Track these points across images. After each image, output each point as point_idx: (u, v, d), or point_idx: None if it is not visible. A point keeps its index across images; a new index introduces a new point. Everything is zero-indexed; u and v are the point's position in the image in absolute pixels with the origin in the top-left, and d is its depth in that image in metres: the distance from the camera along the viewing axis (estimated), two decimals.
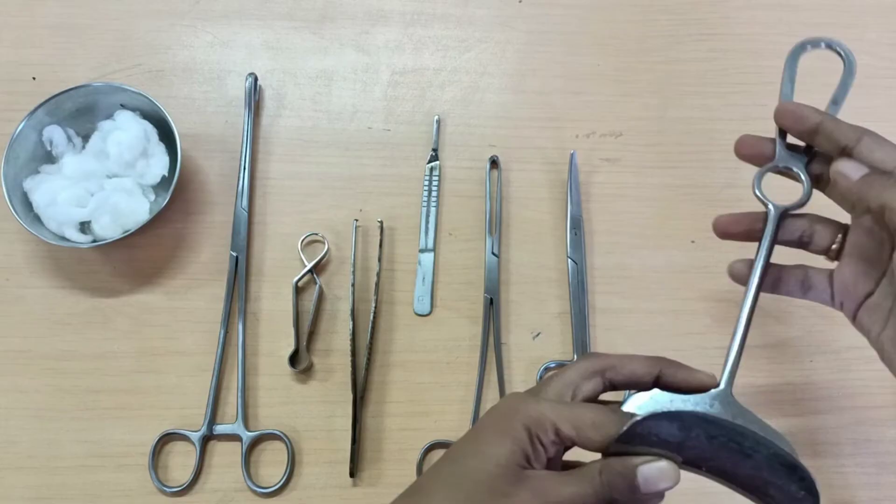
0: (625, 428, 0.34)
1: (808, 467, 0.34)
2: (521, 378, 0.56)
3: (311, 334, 0.56)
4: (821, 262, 0.42)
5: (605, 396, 0.39)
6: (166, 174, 0.57)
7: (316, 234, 0.59)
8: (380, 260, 0.58)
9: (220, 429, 0.53)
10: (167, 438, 0.53)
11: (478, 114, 0.64)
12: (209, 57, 0.64)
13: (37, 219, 0.55)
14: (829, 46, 0.42)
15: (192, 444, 0.53)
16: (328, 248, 0.58)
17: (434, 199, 0.60)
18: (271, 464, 0.53)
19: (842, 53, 0.41)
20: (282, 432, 0.53)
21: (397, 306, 0.58)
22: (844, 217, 0.41)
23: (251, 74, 0.61)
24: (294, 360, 0.55)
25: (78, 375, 0.55)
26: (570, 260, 0.59)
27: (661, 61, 0.66)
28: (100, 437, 0.53)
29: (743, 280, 0.41)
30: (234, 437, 0.53)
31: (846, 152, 0.38)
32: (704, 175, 0.62)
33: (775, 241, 0.40)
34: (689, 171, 0.62)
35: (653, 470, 0.33)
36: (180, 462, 0.53)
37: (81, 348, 0.55)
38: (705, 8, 0.68)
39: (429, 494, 0.35)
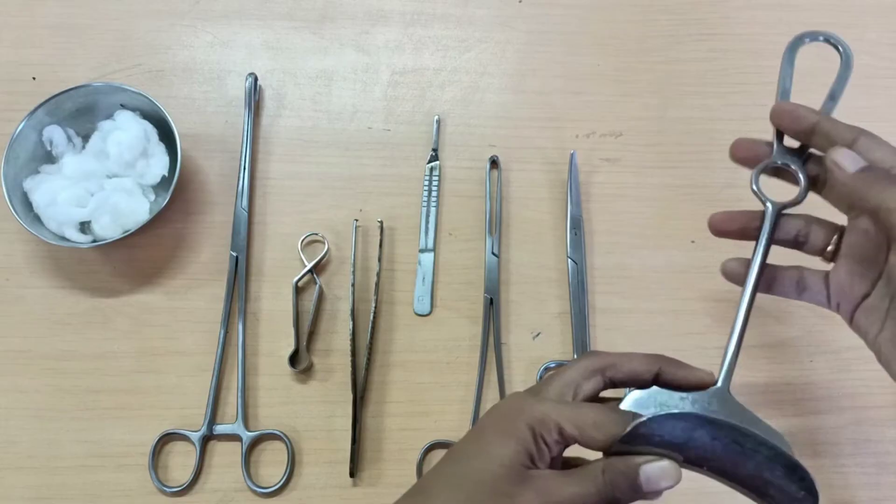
0: (628, 428, 0.34)
1: (808, 467, 0.34)
2: (521, 378, 0.56)
3: (311, 334, 0.56)
4: (817, 264, 0.42)
5: (605, 394, 0.39)
6: (166, 174, 0.57)
7: (316, 234, 0.59)
8: (380, 260, 0.58)
9: (220, 429, 0.53)
10: (167, 438, 0.53)
11: (478, 114, 0.64)
12: (209, 57, 0.64)
13: (37, 219, 0.55)
14: (827, 40, 0.42)
15: (192, 444, 0.53)
16: (328, 248, 0.58)
17: (434, 199, 0.60)
18: (271, 464, 0.53)
19: (839, 48, 0.42)
20: (282, 432, 0.53)
21: (397, 306, 0.58)
22: (840, 219, 0.41)
23: (251, 74, 0.61)
24: (294, 360, 0.55)
25: (78, 375, 0.55)
26: (570, 260, 0.59)
27: (661, 61, 0.66)
28: (100, 437, 0.53)
29: (736, 278, 0.41)
30: (234, 437, 0.53)
31: None
32: (704, 175, 0.62)
33: (773, 237, 0.40)
34: (689, 171, 0.62)
35: (655, 469, 0.33)
36: (180, 462, 0.53)
37: (81, 348, 0.55)
38: (705, 8, 0.68)
39: (432, 495, 0.35)
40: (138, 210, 0.55)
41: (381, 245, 0.58)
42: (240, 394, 0.54)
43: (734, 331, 0.39)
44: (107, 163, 0.57)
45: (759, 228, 0.41)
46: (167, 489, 0.52)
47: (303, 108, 0.63)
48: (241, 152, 0.60)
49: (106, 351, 0.55)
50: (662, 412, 0.35)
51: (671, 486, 0.34)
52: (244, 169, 0.60)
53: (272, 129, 0.62)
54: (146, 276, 0.58)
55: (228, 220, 0.59)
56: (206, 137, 0.62)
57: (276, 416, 0.54)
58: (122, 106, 0.58)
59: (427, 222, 0.60)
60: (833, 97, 0.41)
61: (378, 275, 0.57)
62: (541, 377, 0.56)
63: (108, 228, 0.54)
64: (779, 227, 0.41)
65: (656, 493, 0.34)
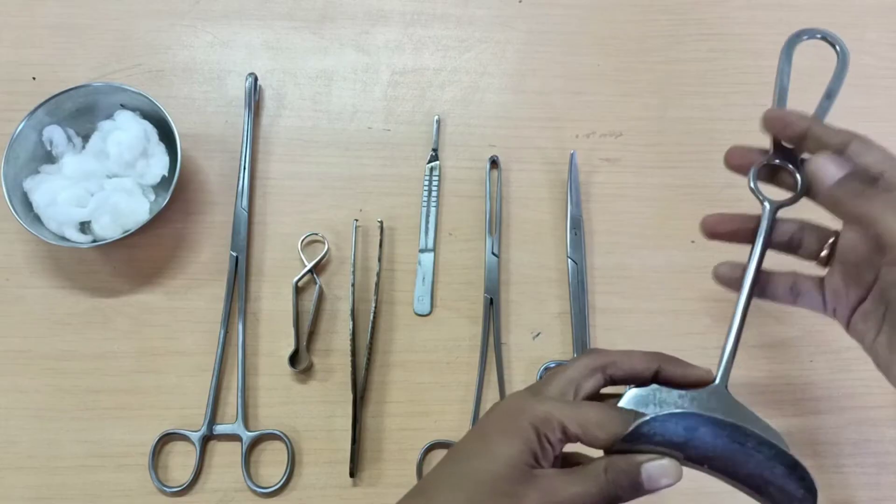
0: (631, 428, 0.34)
1: (808, 467, 0.34)
2: (521, 378, 0.56)
3: (311, 334, 0.56)
4: (812, 271, 0.42)
5: (604, 390, 0.39)
6: (166, 174, 0.57)
7: (316, 234, 0.59)
8: (380, 260, 0.58)
9: (220, 429, 0.53)
10: (167, 438, 0.53)
11: (478, 114, 0.64)
12: (209, 57, 0.64)
13: (37, 219, 0.55)
14: (824, 38, 0.42)
15: (192, 444, 0.53)
16: (328, 248, 0.58)
17: (434, 199, 0.60)
18: (271, 464, 0.53)
19: (836, 46, 0.42)
20: (282, 432, 0.53)
21: (397, 306, 0.58)
22: (835, 223, 0.41)
23: (251, 74, 0.61)
24: (294, 360, 0.55)
25: (78, 375, 0.55)
26: (570, 260, 0.59)
27: (661, 61, 0.66)
28: (100, 437, 0.53)
29: (728, 282, 0.42)
30: (234, 437, 0.53)
31: None
32: (704, 175, 0.62)
33: (770, 236, 0.41)
34: (689, 171, 0.62)
35: (656, 467, 0.34)
36: (180, 462, 0.53)
37: (81, 348, 0.55)
38: (705, 8, 0.68)
39: (435, 495, 0.35)
40: (138, 210, 0.55)
41: (381, 245, 0.58)
42: (240, 394, 0.54)
43: (732, 328, 0.39)
44: (107, 163, 0.57)
45: (752, 230, 0.41)
46: (167, 489, 0.52)
47: (303, 108, 0.63)
48: (241, 152, 0.60)
49: (106, 351, 0.55)
50: (665, 412, 0.35)
51: (672, 484, 0.34)
52: (244, 169, 0.60)
53: (272, 129, 0.62)
54: (146, 276, 0.58)
55: (228, 220, 0.59)
56: (206, 137, 0.62)
57: (276, 416, 0.54)
58: (122, 106, 0.58)
59: (427, 222, 0.60)
60: (830, 95, 0.41)
61: (378, 275, 0.57)
62: (541, 377, 0.56)
63: (108, 228, 0.54)
64: (773, 229, 0.41)
65: (656, 492, 0.34)
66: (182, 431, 0.53)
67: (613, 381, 0.38)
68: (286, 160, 0.61)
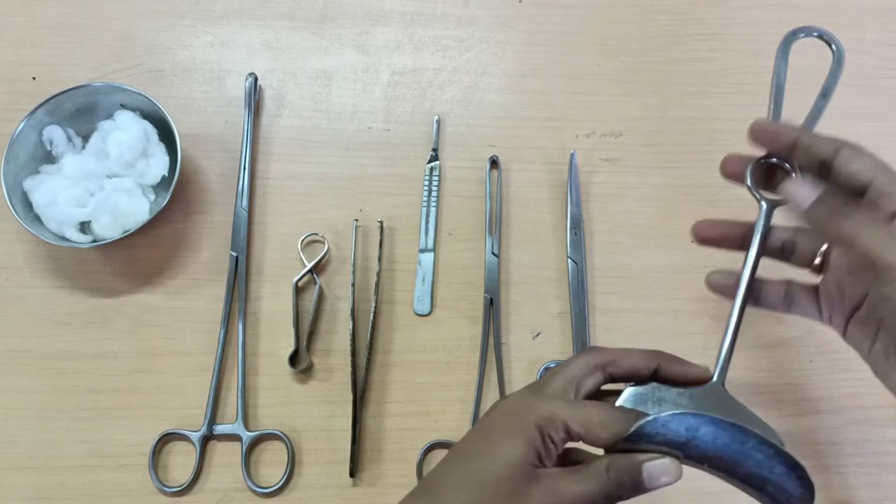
0: (633, 428, 0.34)
1: (808, 467, 0.34)
2: (521, 378, 0.56)
3: (311, 334, 0.56)
4: (807, 279, 0.42)
5: (604, 387, 0.39)
6: (166, 174, 0.57)
7: (316, 234, 0.59)
8: (380, 260, 0.58)
9: (220, 429, 0.53)
10: (167, 438, 0.53)
11: (478, 114, 0.64)
12: (209, 57, 0.64)
13: (37, 219, 0.55)
14: (821, 36, 0.42)
15: (192, 444, 0.53)
16: (328, 248, 0.58)
17: (434, 199, 0.60)
18: (271, 464, 0.53)
19: (831, 44, 0.42)
20: (282, 432, 0.53)
21: (397, 306, 0.58)
22: None
23: (251, 74, 0.61)
24: (294, 360, 0.55)
25: (78, 375, 0.55)
26: (570, 260, 0.59)
27: (661, 61, 0.66)
28: (100, 437, 0.53)
29: (721, 290, 0.42)
30: (234, 437, 0.53)
31: (825, 166, 0.37)
32: (704, 175, 0.62)
33: (767, 235, 0.41)
34: (689, 171, 0.62)
35: (657, 466, 0.34)
36: (180, 462, 0.53)
37: (81, 348, 0.55)
38: (705, 8, 0.68)
39: (439, 495, 0.35)
40: (138, 210, 0.55)
41: (381, 245, 0.58)
42: (240, 394, 0.54)
43: (729, 327, 0.39)
44: (107, 163, 0.57)
45: (743, 235, 0.41)
46: (167, 489, 0.52)
47: (303, 108, 0.63)
48: (241, 152, 0.60)
49: (106, 351, 0.55)
50: (667, 412, 0.35)
51: (672, 482, 0.34)
52: (244, 169, 0.60)
53: (272, 129, 0.62)
54: (146, 276, 0.58)
55: (228, 220, 0.59)
56: (206, 137, 0.62)
57: (276, 416, 0.54)
58: (122, 106, 0.58)
59: (427, 222, 0.60)
60: (825, 94, 0.41)
61: (378, 275, 0.57)
62: (541, 377, 0.56)
63: (108, 228, 0.54)
64: (767, 234, 0.41)
65: (657, 489, 0.34)
66: (182, 431, 0.53)
67: (613, 379, 0.38)
68: (286, 160, 0.61)
